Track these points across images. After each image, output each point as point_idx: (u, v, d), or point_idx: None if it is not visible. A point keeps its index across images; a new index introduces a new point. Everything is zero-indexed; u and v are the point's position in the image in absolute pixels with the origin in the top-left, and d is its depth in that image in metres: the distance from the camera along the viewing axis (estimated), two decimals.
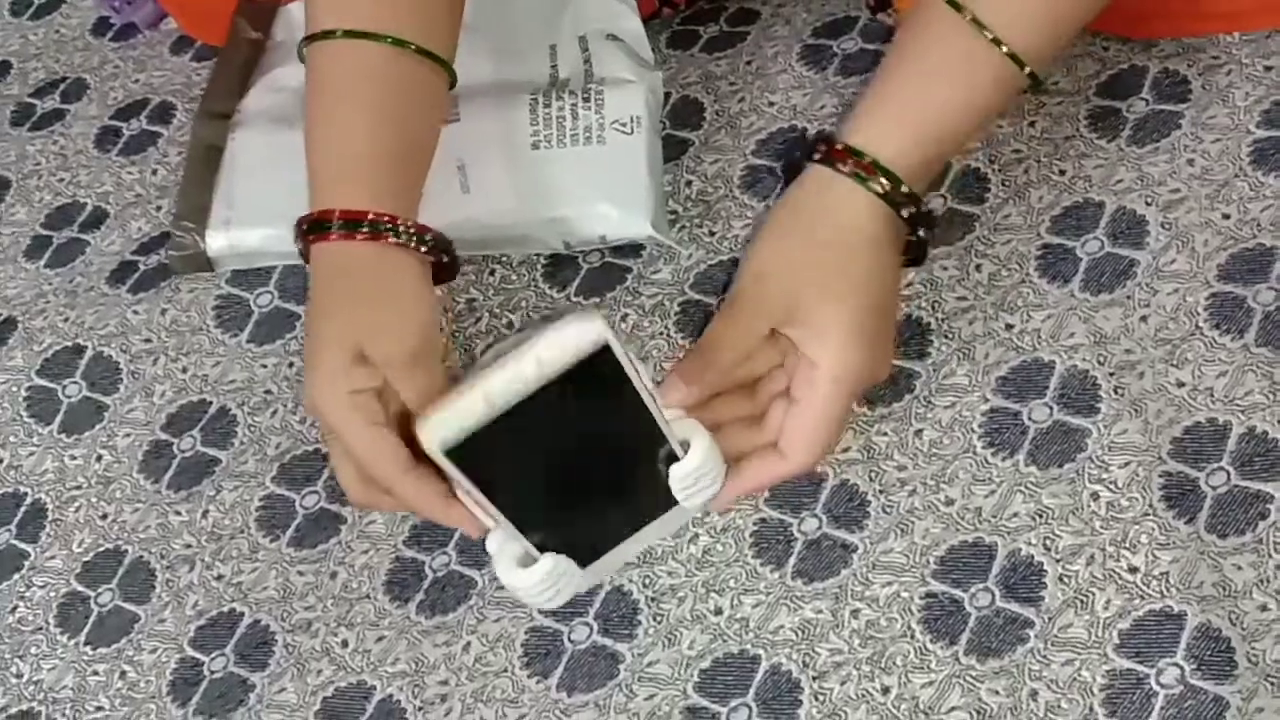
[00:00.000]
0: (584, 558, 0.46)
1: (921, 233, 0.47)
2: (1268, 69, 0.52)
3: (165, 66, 0.67)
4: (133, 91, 0.67)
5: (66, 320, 0.60)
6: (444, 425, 0.41)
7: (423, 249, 0.47)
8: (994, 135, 0.53)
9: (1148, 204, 0.51)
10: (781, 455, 0.46)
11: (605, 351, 0.41)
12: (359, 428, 0.45)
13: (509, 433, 0.41)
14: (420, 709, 0.47)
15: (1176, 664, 0.42)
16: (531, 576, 0.45)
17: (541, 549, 0.45)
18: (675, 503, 0.46)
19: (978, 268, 0.51)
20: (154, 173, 0.64)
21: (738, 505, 0.47)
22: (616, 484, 0.45)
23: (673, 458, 0.45)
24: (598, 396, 0.42)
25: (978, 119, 0.47)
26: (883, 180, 0.46)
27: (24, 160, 0.67)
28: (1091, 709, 0.42)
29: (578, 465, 0.44)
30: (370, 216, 0.47)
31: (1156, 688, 0.41)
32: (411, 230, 0.47)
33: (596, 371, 0.41)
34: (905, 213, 0.46)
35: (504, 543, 0.46)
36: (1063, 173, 0.53)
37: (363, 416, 0.45)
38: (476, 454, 0.41)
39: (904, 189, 0.46)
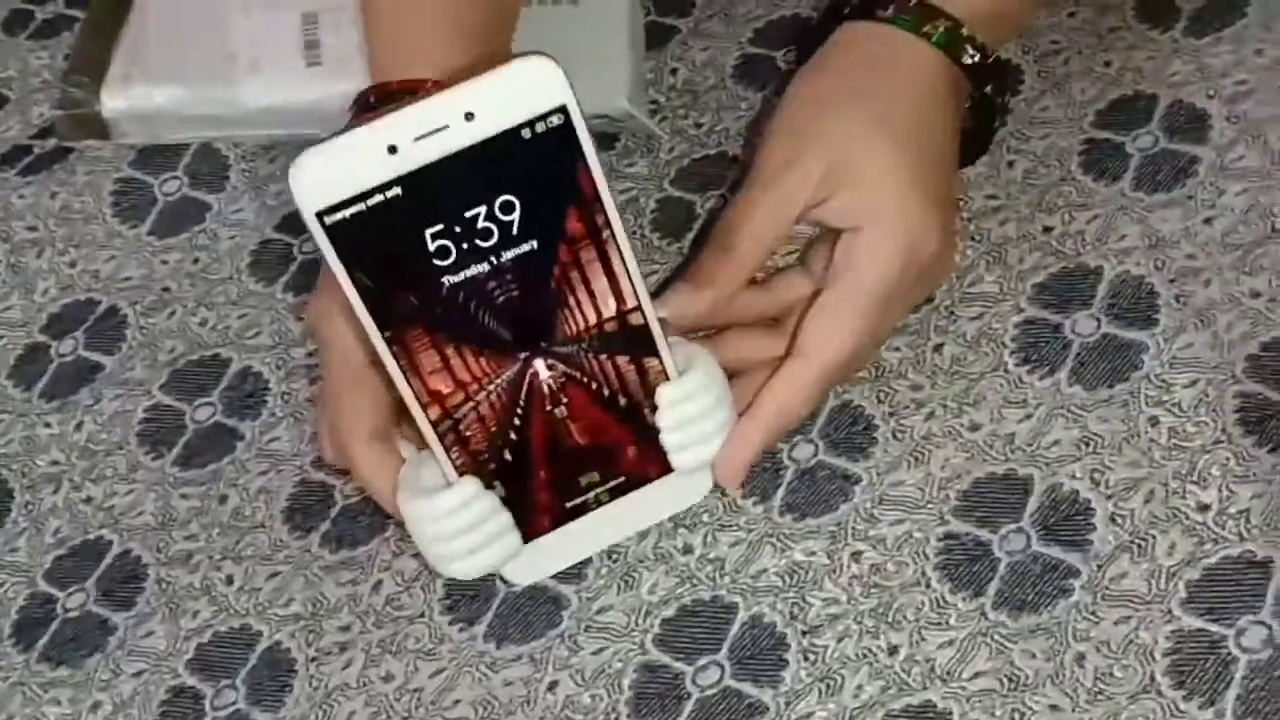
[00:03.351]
0: (527, 516, 0.35)
1: (989, 90, 0.38)
2: None
3: None
4: None
5: None
6: (323, 170, 0.29)
7: None
8: (1028, 25, 0.46)
9: (1209, 97, 0.44)
10: (797, 354, 0.35)
11: (564, 125, 0.30)
12: (344, 358, 0.35)
13: (415, 217, 0.30)
14: (314, 659, 0.38)
15: (1263, 622, 0.33)
16: (436, 503, 0.33)
17: (463, 474, 0.33)
18: (667, 468, 0.35)
19: (1010, 164, 0.44)
20: (65, 57, 0.57)
21: (751, 476, 0.36)
22: (580, 394, 0.33)
23: (661, 376, 0.34)
24: (548, 206, 0.30)
25: None
26: (936, 21, 0.37)
27: None
28: (1152, 678, 0.33)
29: (519, 331, 0.32)
30: (430, 85, 0.37)
31: (1237, 652, 0.33)
32: None
33: (547, 156, 0.30)
34: (968, 59, 0.37)
35: (417, 467, 0.34)
36: (1108, 64, 0.45)
37: (360, 352, 0.35)
38: (366, 239, 0.30)
39: (964, 30, 0.37)
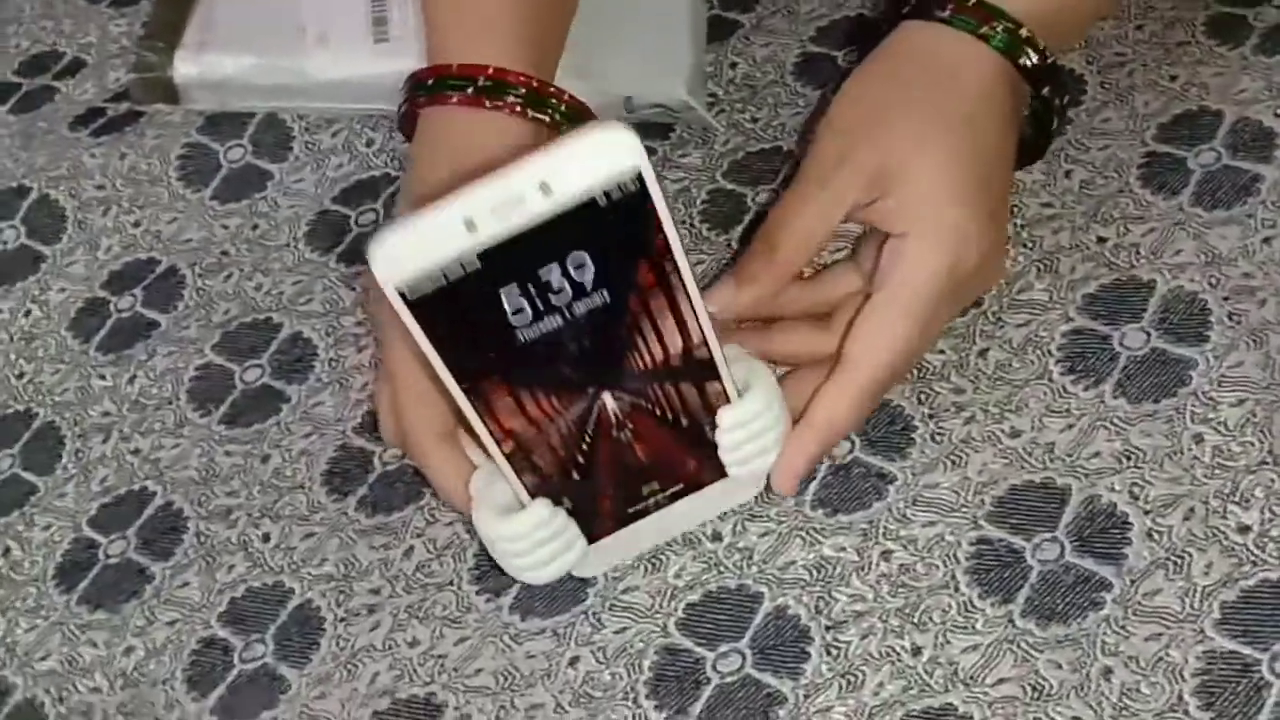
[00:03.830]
0: (591, 525, 0.36)
1: (1047, 92, 0.38)
2: None
3: None
4: None
5: (15, 160, 0.53)
6: (403, 249, 0.30)
7: (562, 124, 0.38)
8: (1094, 36, 0.45)
9: (1277, 115, 0.43)
10: (845, 364, 0.36)
11: (638, 191, 0.30)
12: (411, 351, 0.35)
13: (492, 283, 0.30)
14: (343, 620, 0.39)
15: None
16: (514, 526, 0.35)
17: (535, 495, 0.35)
18: (722, 473, 0.36)
19: (1068, 174, 0.43)
20: (143, 25, 0.58)
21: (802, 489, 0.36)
22: (644, 420, 0.34)
23: (722, 398, 0.35)
24: (620, 261, 0.31)
25: None
26: (994, 23, 0.37)
27: (5, 7, 0.60)
28: (1180, 697, 0.33)
29: (589, 372, 0.33)
30: (491, 72, 0.37)
31: (1271, 677, 0.32)
32: (552, 100, 0.38)
33: (620, 219, 0.30)
34: (1026, 61, 0.37)
35: (490, 483, 0.36)
36: (1174, 78, 0.45)
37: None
38: (446, 309, 0.31)
39: (1023, 32, 0.37)
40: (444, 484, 0.37)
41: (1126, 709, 0.33)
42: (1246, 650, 0.33)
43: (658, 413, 0.34)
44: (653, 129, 0.49)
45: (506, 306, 0.31)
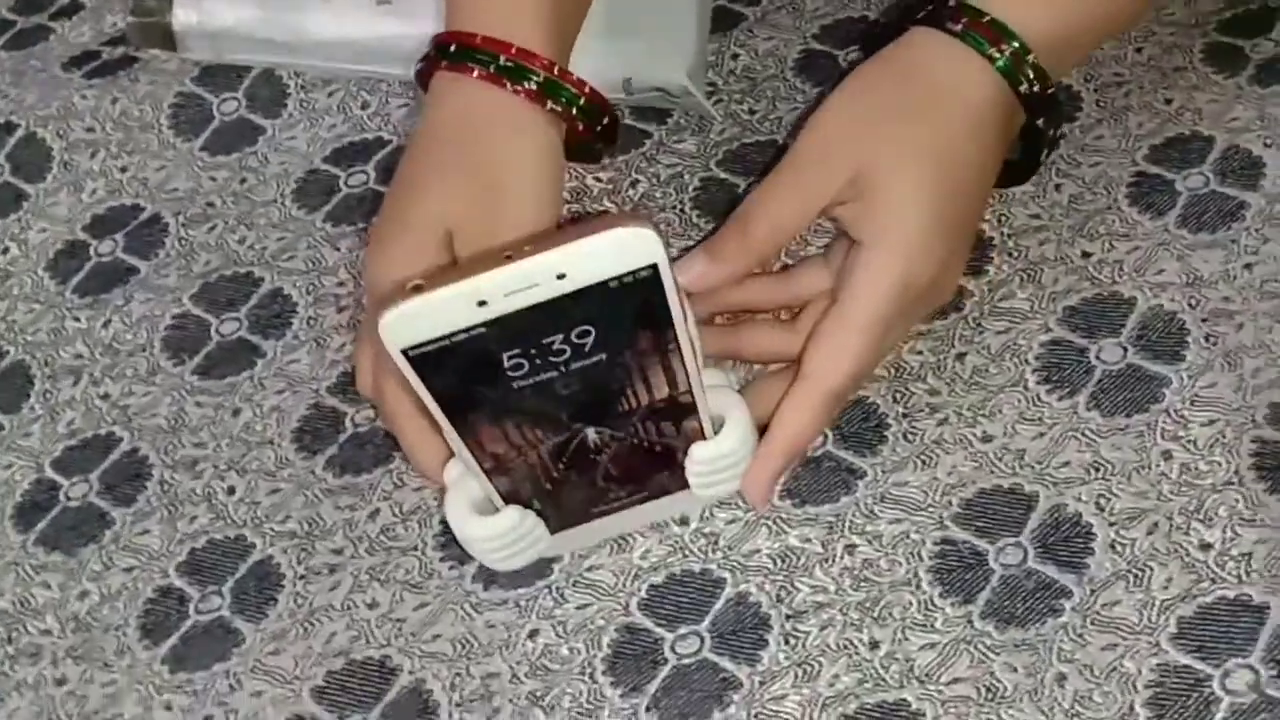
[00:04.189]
0: (557, 522, 0.36)
1: (1040, 123, 0.38)
2: None
3: None
4: None
5: (4, 97, 0.52)
6: (414, 320, 0.30)
7: (578, 116, 0.38)
8: (1093, 55, 0.46)
9: (1266, 145, 0.43)
10: (805, 377, 0.36)
11: (651, 276, 0.31)
12: None
13: (496, 347, 0.31)
14: (302, 577, 0.38)
15: (1250, 666, 0.33)
16: (487, 529, 0.35)
17: (507, 500, 0.35)
18: (686, 485, 0.36)
19: (1058, 187, 0.44)
20: None
21: (770, 507, 0.36)
22: (620, 447, 0.35)
23: (697, 433, 0.35)
24: (623, 330, 0.32)
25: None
26: (1003, 45, 0.37)
27: None
28: (1132, 707, 0.33)
29: (576, 411, 0.34)
30: (514, 52, 0.37)
31: (1220, 693, 0.33)
32: (570, 90, 0.38)
33: (630, 298, 0.31)
34: (1024, 88, 0.37)
35: (462, 479, 0.36)
36: (1169, 102, 0.45)
37: None
38: (448, 365, 0.31)
39: (1030, 58, 0.37)
40: (418, 459, 0.38)
41: (1078, 715, 0.33)
42: (1199, 665, 0.33)
43: (634, 443, 0.35)
44: (650, 113, 0.49)
45: (506, 364, 0.32)
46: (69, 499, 0.42)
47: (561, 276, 0.30)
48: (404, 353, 0.31)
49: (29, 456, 0.43)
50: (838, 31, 0.50)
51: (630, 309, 0.32)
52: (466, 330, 0.31)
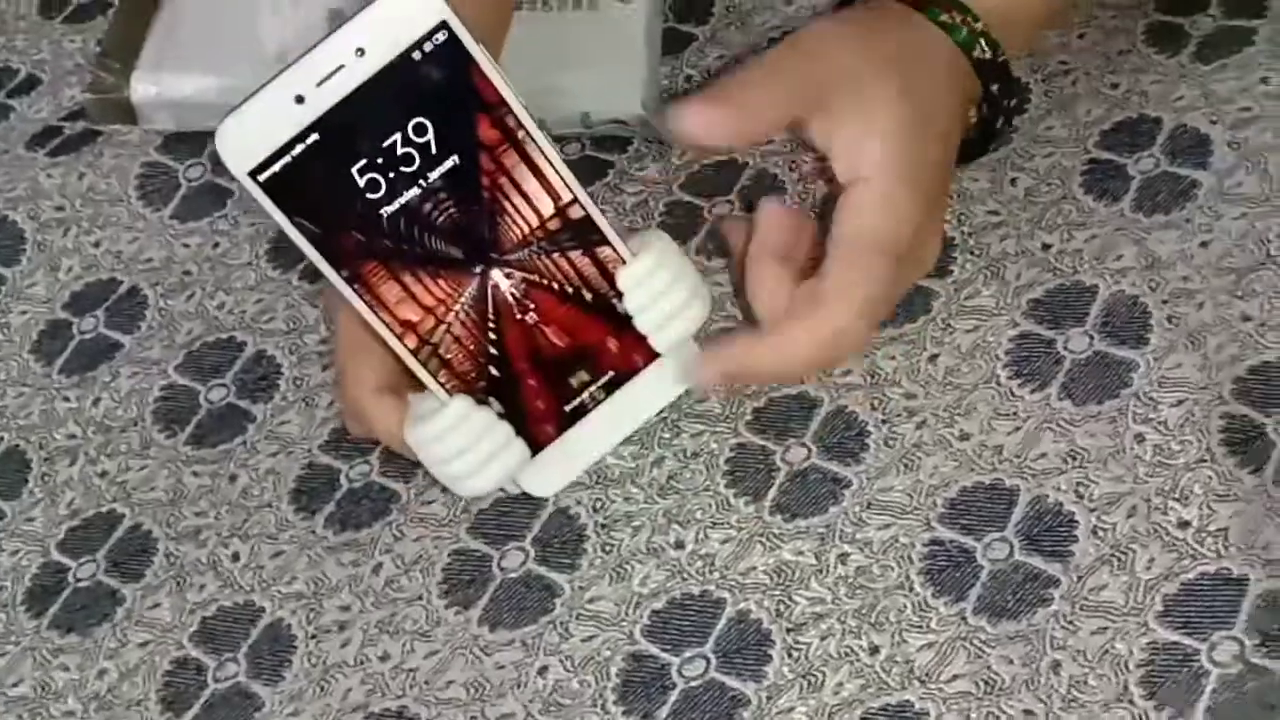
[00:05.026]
0: (526, 430, 0.35)
1: (996, 89, 0.40)
2: None
3: None
4: None
5: None
6: (243, 132, 0.31)
7: None
8: (1039, 45, 0.47)
9: (1212, 123, 0.44)
10: (818, 304, 0.36)
11: (450, 40, 0.31)
12: (348, 330, 0.37)
13: (337, 157, 0.31)
14: (314, 636, 0.39)
15: (1235, 638, 0.34)
16: (434, 424, 0.34)
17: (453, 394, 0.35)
18: (653, 355, 0.36)
19: (1013, 181, 0.45)
20: (98, 42, 0.58)
21: (724, 394, 0.36)
22: (545, 298, 0.34)
23: (618, 262, 0.35)
24: (457, 121, 0.32)
25: None
26: (954, 13, 0.39)
27: None
28: (1126, 687, 0.34)
29: (467, 248, 0.33)
30: None
31: (1209, 665, 0.34)
32: None
33: (440, 71, 0.32)
34: (977, 53, 0.39)
35: (420, 400, 0.36)
36: (1115, 86, 0.46)
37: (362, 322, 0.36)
38: (299, 186, 0.32)
39: (978, 25, 0.39)
40: (384, 429, 0.37)
41: (1075, 700, 0.34)
42: (1187, 641, 0.35)
43: (555, 286, 0.35)
44: (610, 142, 0.49)
45: (360, 182, 0.32)
46: (78, 580, 0.42)
47: (361, 52, 0.31)
48: (252, 176, 0.32)
49: (34, 541, 0.44)
50: None
51: (449, 89, 0.32)
52: (301, 139, 0.31)
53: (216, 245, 0.50)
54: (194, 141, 0.52)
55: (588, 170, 0.48)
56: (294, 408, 0.45)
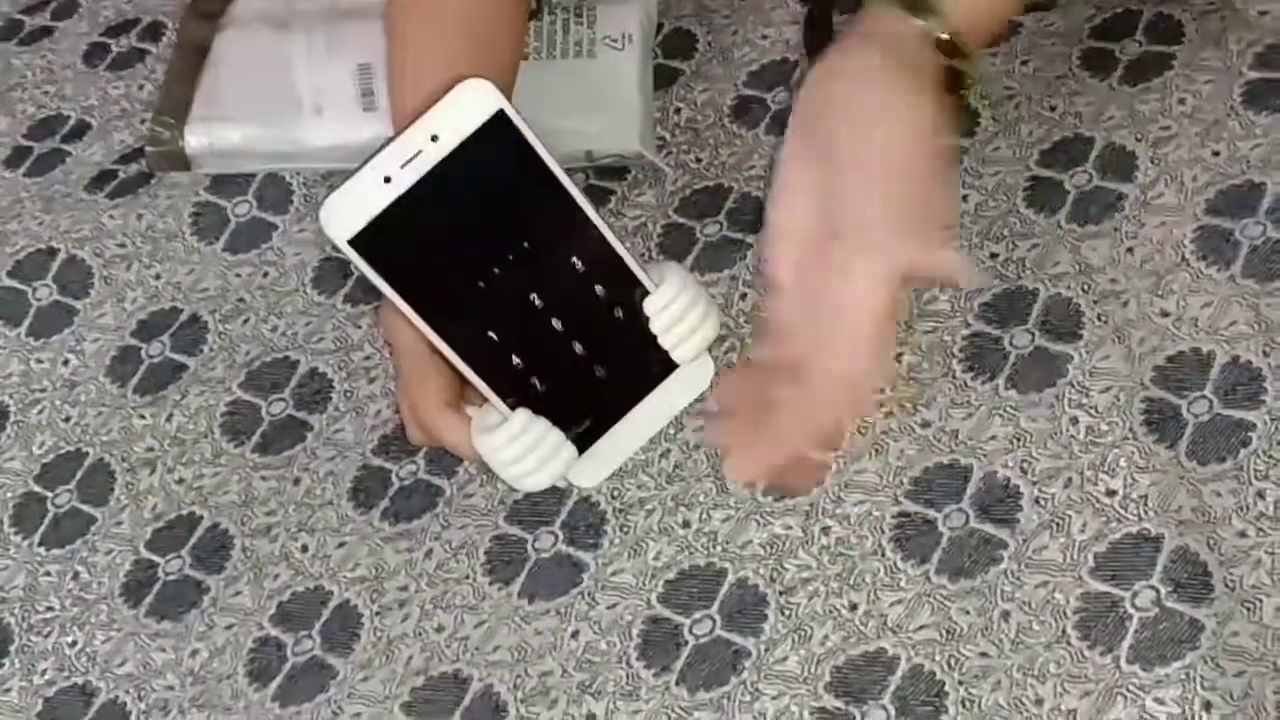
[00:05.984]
0: (574, 431, 0.43)
1: (957, 63, 0.43)
2: (1262, 14, 0.52)
3: None
4: (123, 11, 0.66)
5: (41, 224, 0.59)
6: (341, 208, 0.38)
7: None
8: (985, 73, 0.52)
9: (1137, 140, 0.50)
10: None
11: (502, 120, 0.39)
12: (410, 352, 0.43)
13: (413, 219, 0.39)
14: (378, 613, 0.46)
15: (1152, 586, 0.41)
16: (498, 435, 0.41)
17: (514, 407, 0.42)
18: (674, 364, 0.43)
19: (965, 198, 0.50)
20: (140, 88, 0.63)
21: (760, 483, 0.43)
22: (584, 324, 0.41)
23: (642, 292, 0.42)
24: (506, 175, 0.39)
25: None
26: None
27: (9, 73, 0.65)
28: (1064, 631, 0.41)
29: (520, 284, 0.41)
30: None
31: (1131, 610, 0.40)
32: None
33: (498, 143, 0.39)
34: (921, 19, 0.42)
35: (484, 414, 0.42)
36: (1053, 109, 0.52)
37: (423, 345, 0.42)
38: (385, 243, 0.39)
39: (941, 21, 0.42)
40: (453, 441, 0.44)
41: (1022, 643, 0.41)
42: (1114, 590, 0.41)
43: (593, 314, 0.42)
44: (610, 173, 0.55)
45: (436, 241, 0.40)
46: (167, 574, 0.49)
47: (435, 138, 0.39)
48: (350, 244, 0.39)
49: (125, 542, 0.50)
50: (765, 76, 0.56)
51: (505, 159, 0.39)
52: (389, 212, 0.39)
53: (266, 274, 0.56)
54: (239, 182, 0.58)
55: (592, 198, 0.53)
56: (346, 417, 0.51)
